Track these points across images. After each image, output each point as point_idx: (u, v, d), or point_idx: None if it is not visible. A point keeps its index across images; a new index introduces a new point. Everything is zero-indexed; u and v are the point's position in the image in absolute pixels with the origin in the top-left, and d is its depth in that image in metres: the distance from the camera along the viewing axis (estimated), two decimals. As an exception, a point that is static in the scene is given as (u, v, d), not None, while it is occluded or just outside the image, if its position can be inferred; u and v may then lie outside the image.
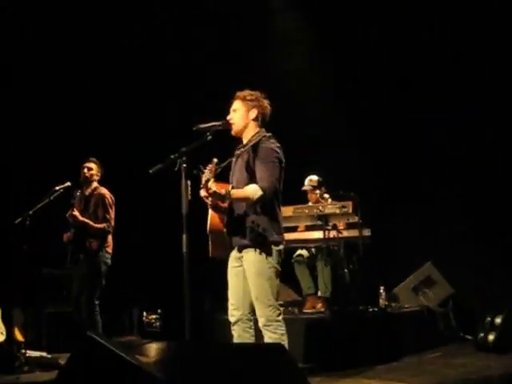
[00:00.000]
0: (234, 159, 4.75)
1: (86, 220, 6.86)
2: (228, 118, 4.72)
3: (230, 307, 4.67)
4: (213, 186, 4.33)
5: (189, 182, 4.41)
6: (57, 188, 6.85)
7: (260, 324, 4.51)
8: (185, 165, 4.38)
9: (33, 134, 8.98)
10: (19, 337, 7.71)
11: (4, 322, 7.63)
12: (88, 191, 7.07)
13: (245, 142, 4.73)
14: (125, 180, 8.32)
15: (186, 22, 9.10)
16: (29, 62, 8.89)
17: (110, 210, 6.98)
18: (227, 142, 4.83)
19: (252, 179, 4.53)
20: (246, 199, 4.49)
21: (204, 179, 4.30)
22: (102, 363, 3.54)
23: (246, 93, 4.73)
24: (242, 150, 4.68)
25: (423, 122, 8.34)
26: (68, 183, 6.91)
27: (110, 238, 6.99)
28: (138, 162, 7.08)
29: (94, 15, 8.84)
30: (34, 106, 9.00)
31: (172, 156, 4.42)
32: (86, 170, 7.05)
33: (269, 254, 4.52)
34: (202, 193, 4.42)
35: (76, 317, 6.82)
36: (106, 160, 7.27)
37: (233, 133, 4.73)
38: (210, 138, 4.55)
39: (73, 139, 8.98)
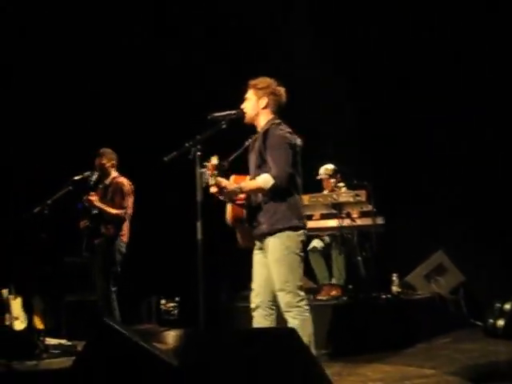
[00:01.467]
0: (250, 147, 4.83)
1: (103, 205, 6.91)
2: (242, 106, 4.79)
3: (252, 293, 4.73)
4: (222, 182, 4.43)
5: (204, 170, 4.44)
6: (76, 178, 6.96)
7: (281, 310, 4.58)
8: (199, 153, 4.40)
9: (49, 124, 9.09)
10: (39, 324, 7.82)
11: (24, 309, 7.78)
12: (108, 181, 7.16)
13: (258, 130, 4.79)
14: (140, 168, 8.38)
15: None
16: (30, 61, 8.95)
17: (128, 197, 7.02)
18: (244, 129, 4.88)
19: (264, 167, 4.58)
20: (259, 190, 4.55)
21: (210, 180, 4.35)
22: (118, 350, 3.62)
23: (258, 81, 4.75)
24: (254, 138, 4.76)
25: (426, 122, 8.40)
26: (87, 172, 7.00)
27: (125, 226, 7.04)
28: (152, 149, 7.16)
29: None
30: (42, 102, 9.10)
31: (187, 144, 4.44)
32: (97, 166, 7.12)
33: (288, 240, 4.56)
34: (213, 189, 4.45)
35: (100, 304, 6.93)
36: (121, 148, 7.35)
37: (245, 121, 4.79)
38: (224, 126, 4.58)
39: (85, 129, 9.09)
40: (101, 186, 7.15)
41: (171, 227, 8.92)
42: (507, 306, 6.76)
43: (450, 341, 6.86)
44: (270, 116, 4.76)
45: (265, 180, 4.50)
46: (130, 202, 7.06)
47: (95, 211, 6.93)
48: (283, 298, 4.54)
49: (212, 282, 5.02)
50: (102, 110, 9.28)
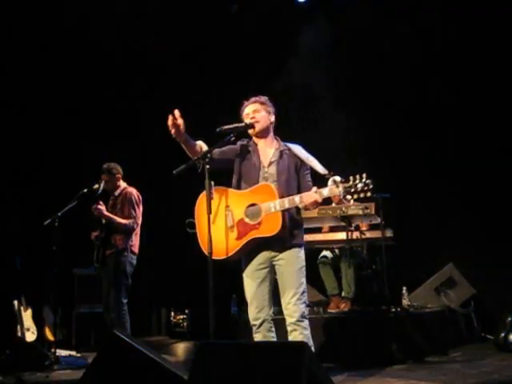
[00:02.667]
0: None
1: (111, 215, 6.94)
2: (252, 118, 4.85)
3: (254, 310, 4.75)
4: None
5: (212, 183, 4.51)
6: (85, 190, 6.99)
7: (293, 320, 4.63)
8: (208, 166, 4.47)
9: (58, 137, 9.17)
10: (49, 336, 7.88)
11: (35, 321, 7.81)
12: (117, 192, 7.19)
13: (263, 141, 4.90)
14: (149, 180, 8.41)
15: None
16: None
17: (136, 207, 7.05)
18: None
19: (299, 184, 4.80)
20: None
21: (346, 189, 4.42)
22: (128, 363, 3.63)
23: (263, 98, 4.94)
24: (281, 150, 4.85)
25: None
26: (96, 185, 7.04)
27: (135, 238, 7.05)
28: (162, 162, 7.21)
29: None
30: (51, 115, 9.22)
31: (195, 157, 4.54)
32: (104, 184, 7.14)
33: (303, 254, 4.80)
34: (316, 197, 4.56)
35: (106, 317, 6.89)
36: (133, 161, 7.39)
37: (256, 131, 4.86)
38: (233, 139, 4.70)
39: (93, 142, 9.18)
40: (111, 197, 7.20)
41: (181, 239, 8.93)
42: (519, 320, 6.74)
43: (462, 355, 6.80)
44: (273, 131, 4.96)
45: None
46: (138, 211, 7.08)
47: (104, 221, 6.95)
48: (299, 308, 4.65)
49: (222, 294, 5.03)
50: (110, 123, 9.36)
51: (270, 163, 4.85)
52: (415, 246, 8.18)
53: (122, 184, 7.24)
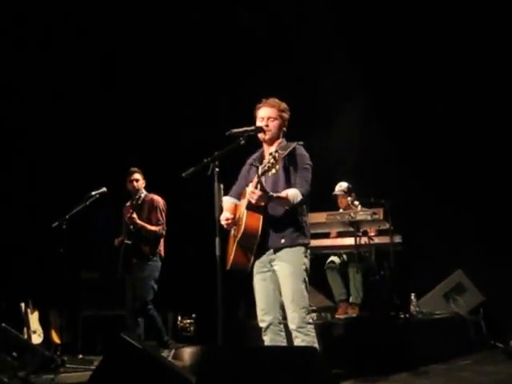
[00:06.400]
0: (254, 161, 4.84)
1: (144, 223, 7.08)
2: (265, 125, 4.78)
3: (260, 313, 4.73)
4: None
5: (221, 186, 4.47)
6: (92, 193, 7.01)
7: (293, 326, 4.57)
8: (217, 169, 4.44)
9: (64, 139, 9.17)
10: (56, 339, 7.87)
11: (41, 324, 7.80)
12: (140, 199, 7.31)
13: (269, 148, 4.82)
14: (157, 183, 8.42)
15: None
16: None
17: (164, 214, 7.24)
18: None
19: (288, 183, 4.66)
20: (286, 202, 4.55)
21: (263, 169, 4.34)
22: (135, 366, 3.60)
23: (282, 106, 4.85)
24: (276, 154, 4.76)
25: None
26: (104, 189, 7.05)
27: (161, 242, 7.24)
28: (171, 165, 7.21)
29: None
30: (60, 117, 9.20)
31: (205, 160, 4.48)
32: (134, 183, 7.29)
33: (304, 256, 4.67)
34: (250, 188, 4.47)
35: (130, 322, 7.06)
36: (140, 163, 7.41)
37: (266, 138, 4.80)
38: (243, 142, 4.59)
39: (99, 145, 9.18)
40: (133, 200, 7.31)
41: (189, 243, 8.93)
42: (529, 328, 6.70)
43: (471, 363, 6.75)
44: (282, 136, 4.89)
45: (294, 194, 4.56)
46: (165, 218, 7.26)
47: (133, 229, 7.06)
48: (298, 314, 4.56)
49: (230, 298, 5.01)
50: (116, 127, 9.38)
51: None
52: (424, 252, 8.16)
53: (143, 191, 7.38)
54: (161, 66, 9.35)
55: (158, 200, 7.27)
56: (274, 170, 4.31)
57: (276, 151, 4.32)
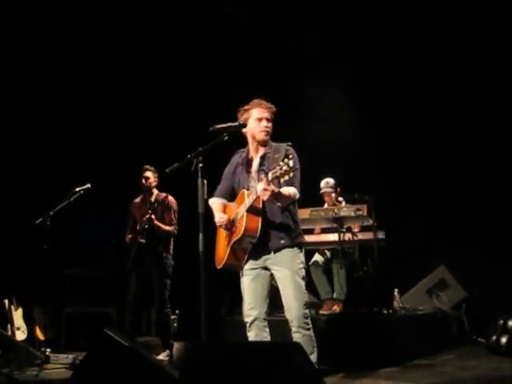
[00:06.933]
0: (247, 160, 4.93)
1: (160, 224, 7.17)
2: (265, 126, 4.83)
3: (247, 307, 4.77)
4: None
5: (205, 181, 4.48)
6: (77, 189, 6.98)
7: (295, 323, 4.64)
8: (201, 164, 4.47)
9: (53, 135, 9.14)
10: (40, 335, 7.85)
11: (25, 320, 7.78)
12: (152, 198, 7.36)
13: (258, 148, 4.89)
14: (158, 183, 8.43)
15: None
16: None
17: (176, 214, 7.34)
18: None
19: (284, 183, 4.66)
20: (288, 198, 4.63)
21: (275, 174, 4.32)
22: (119, 361, 3.61)
23: (274, 109, 4.90)
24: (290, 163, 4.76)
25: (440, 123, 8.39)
26: (88, 185, 7.02)
27: (171, 240, 7.35)
28: (154, 161, 7.24)
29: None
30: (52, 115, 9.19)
31: (189, 155, 4.51)
32: (144, 181, 7.33)
33: (302, 255, 4.80)
34: (261, 185, 4.44)
35: (130, 318, 7.18)
36: (139, 164, 7.42)
37: (264, 139, 4.85)
38: (226, 138, 4.62)
39: (87, 141, 9.18)
40: (146, 199, 7.39)
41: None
42: (510, 323, 6.72)
43: (453, 358, 6.80)
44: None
45: (295, 192, 4.66)
46: (176, 218, 7.35)
47: (147, 227, 7.11)
48: (300, 310, 4.65)
49: (213, 295, 5.02)
50: (116, 127, 9.39)
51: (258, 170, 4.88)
52: (407, 248, 8.19)
53: (155, 190, 7.43)
54: (161, 66, 9.37)
55: (172, 201, 7.36)
56: (286, 177, 4.32)
57: (290, 158, 4.28)
